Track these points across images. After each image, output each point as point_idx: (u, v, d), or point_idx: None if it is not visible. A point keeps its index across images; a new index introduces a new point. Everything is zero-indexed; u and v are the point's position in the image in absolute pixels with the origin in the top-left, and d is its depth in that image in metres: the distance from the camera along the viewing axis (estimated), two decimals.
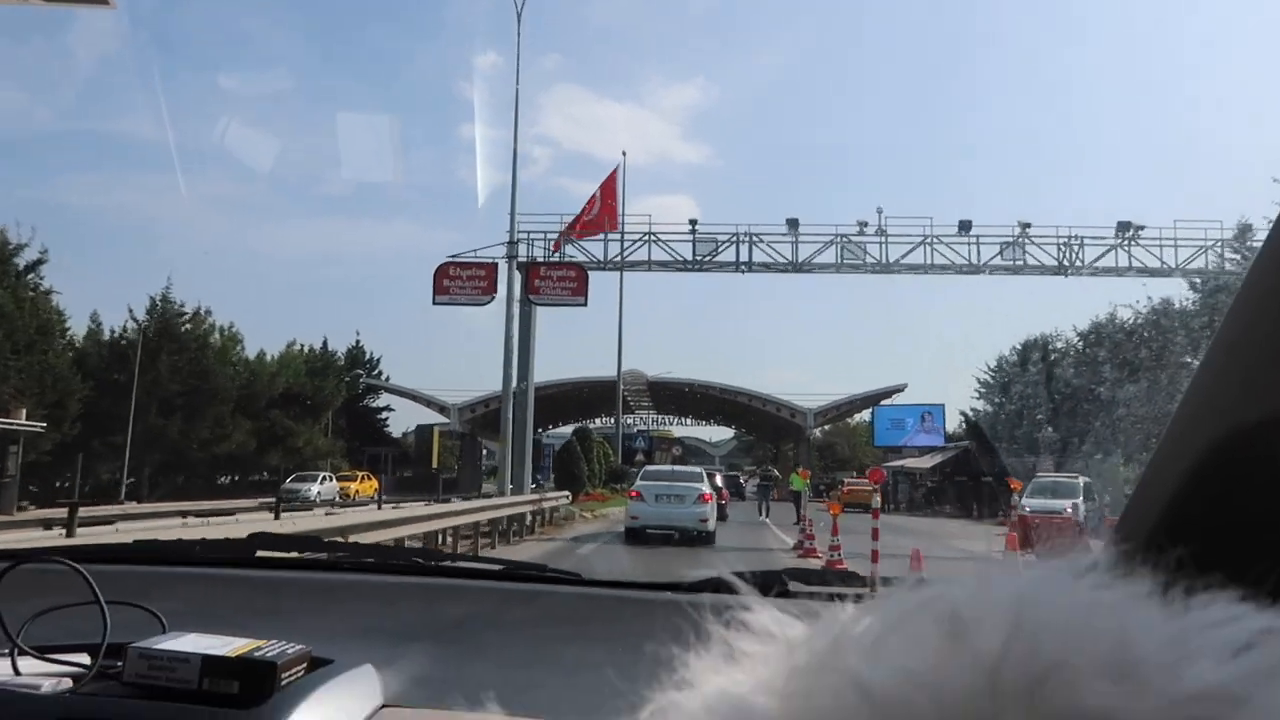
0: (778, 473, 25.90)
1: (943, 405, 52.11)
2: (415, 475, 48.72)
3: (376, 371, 57.36)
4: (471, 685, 0.94)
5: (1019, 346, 43.28)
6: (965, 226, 28.91)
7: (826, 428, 60.58)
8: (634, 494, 16.93)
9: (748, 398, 54.49)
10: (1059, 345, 41.45)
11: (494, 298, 26.57)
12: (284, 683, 0.84)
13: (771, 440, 69.47)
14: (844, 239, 28.67)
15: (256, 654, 0.85)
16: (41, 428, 24.16)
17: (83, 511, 12.99)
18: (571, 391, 54.74)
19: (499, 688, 0.95)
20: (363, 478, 41.03)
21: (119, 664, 0.85)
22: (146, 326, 33.75)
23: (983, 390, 46.05)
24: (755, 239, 29.04)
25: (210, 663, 0.82)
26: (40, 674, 0.86)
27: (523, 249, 27.90)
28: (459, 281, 26.68)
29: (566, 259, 29.02)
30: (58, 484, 31.43)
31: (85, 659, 0.90)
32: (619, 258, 30.96)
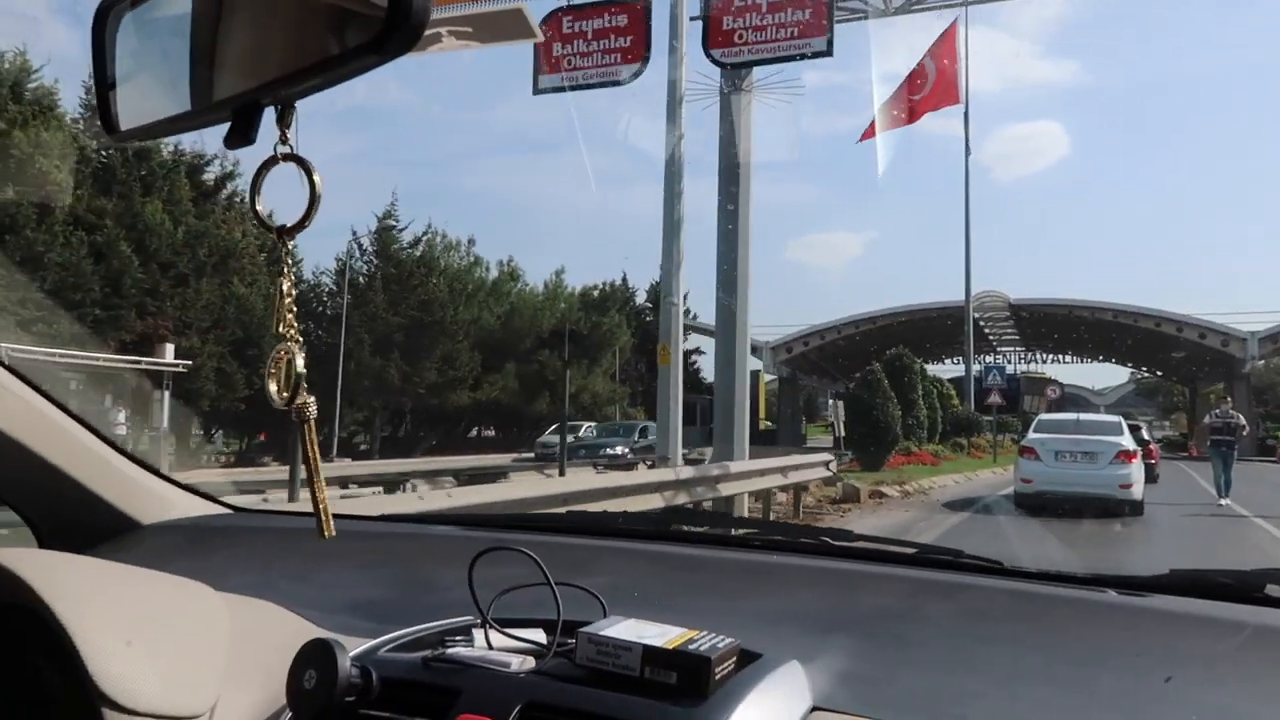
0: (1243, 419, 14.92)
1: None
2: None
3: (686, 310, 50.41)
4: (898, 689, 0.97)
5: None
6: None
7: (1277, 361, 43.83)
8: (1025, 450, 13.72)
9: (1154, 320, 40.27)
10: None
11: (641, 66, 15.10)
12: (717, 677, 0.87)
13: (1186, 380, 53.27)
14: None
15: (691, 646, 0.89)
16: (185, 366, 19.26)
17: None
18: (893, 329, 43.89)
19: (927, 694, 0.96)
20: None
21: (569, 642, 0.94)
22: (362, 245, 29.06)
23: None
24: None
25: (650, 653, 0.89)
26: (506, 649, 0.97)
27: None
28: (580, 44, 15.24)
29: None
30: (247, 439, 27.70)
31: (540, 636, 0.99)
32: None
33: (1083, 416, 16.15)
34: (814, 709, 0.93)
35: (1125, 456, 12.68)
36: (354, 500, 9.14)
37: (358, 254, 31.34)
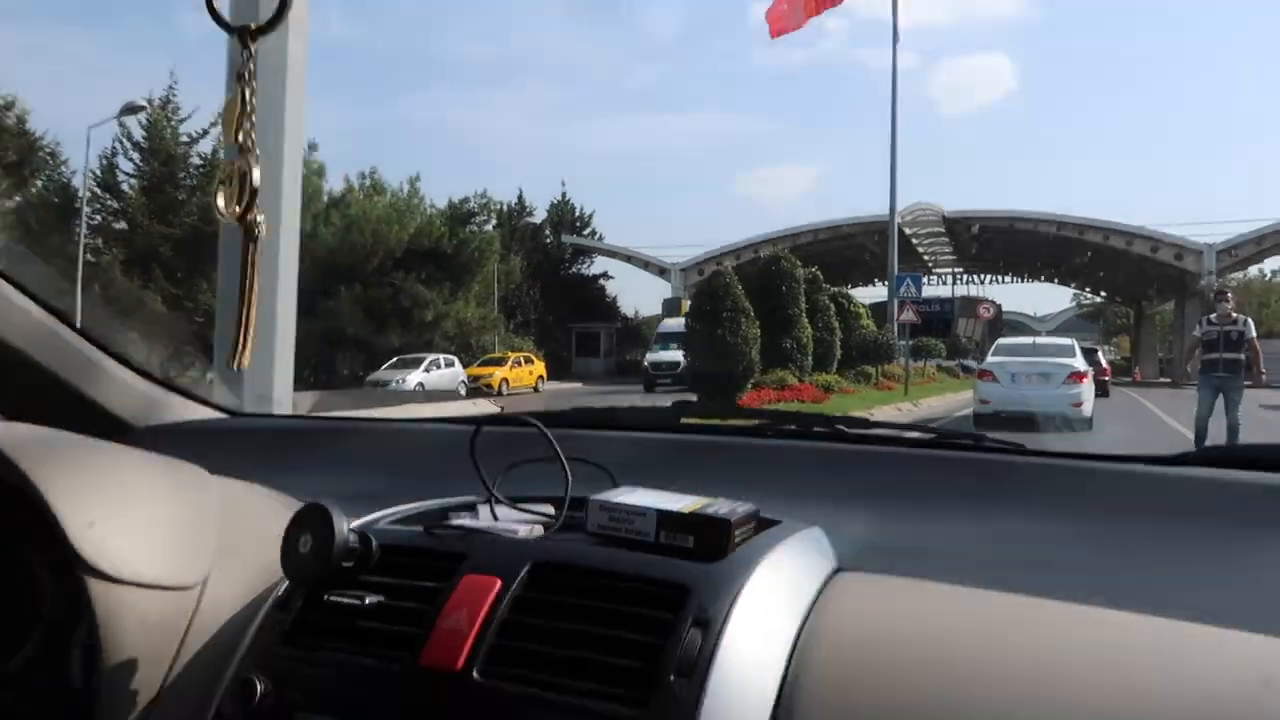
0: (1253, 327, 9.25)
1: None
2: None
3: (589, 230, 45.06)
4: (923, 554, 0.95)
5: None
6: None
7: (1234, 279, 39.65)
8: (984, 374, 14.05)
9: (1102, 234, 35.82)
10: None
11: None
12: (737, 540, 0.85)
13: (1131, 302, 49.37)
14: None
15: (708, 510, 0.86)
16: None
17: None
18: (815, 246, 38.96)
19: (953, 557, 0.94)
20: (518, 362, 29.03)
21: (580, 515, 0.91)
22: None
23: None
24: None
25: (665, 517, 0.86)
26: (514, 521, 0.95)
27: None
28: None
29: None
30: None
31: (550, 509, 0.97)
32: None
33: (1038, 340, 16.65)
34: (838, 570, 0.90)
35: (1077, 377, 13.20)
36: None
37: (121, 150, 25.44)
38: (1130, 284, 44.70)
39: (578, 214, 44.65)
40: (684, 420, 1.53)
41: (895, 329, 22.39)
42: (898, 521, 1.06)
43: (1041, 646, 0.76)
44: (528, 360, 29.63)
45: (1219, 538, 0.95)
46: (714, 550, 0.83)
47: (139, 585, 0.85)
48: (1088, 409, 13.10)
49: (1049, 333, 53.30)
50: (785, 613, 0.81)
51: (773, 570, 0.82)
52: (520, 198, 42.96)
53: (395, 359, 25.87)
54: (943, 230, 41.25)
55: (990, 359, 14.65)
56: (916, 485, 1.17)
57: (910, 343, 22.02)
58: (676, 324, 23.52)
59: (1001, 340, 17.29)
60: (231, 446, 1.51)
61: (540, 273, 39.89)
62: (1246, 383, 9.18)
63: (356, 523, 0.91)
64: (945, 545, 0.98)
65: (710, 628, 0.75)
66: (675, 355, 23.93)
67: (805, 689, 0.75)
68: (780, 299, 16.30)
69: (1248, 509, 1.00)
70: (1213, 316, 9.43)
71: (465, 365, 27.39)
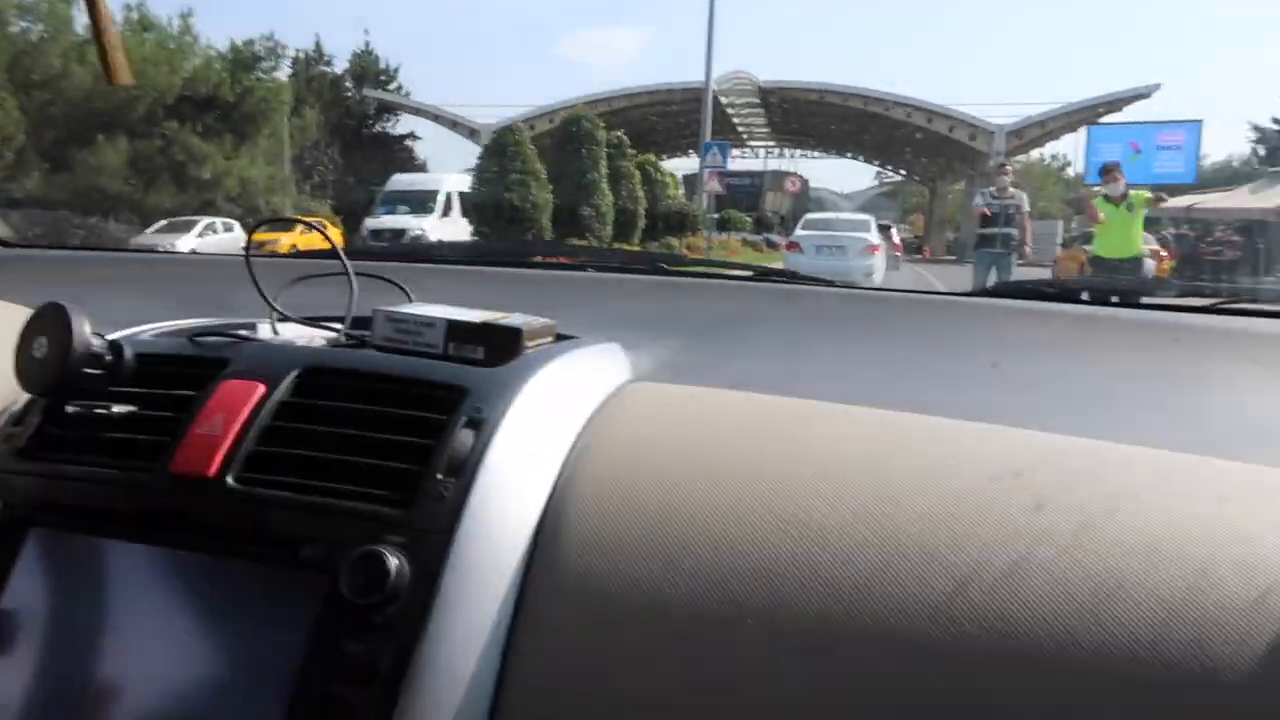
0: (1026, 201, 9.29)
1: (1199, 123, 34.05)
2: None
3: (396, 86, 42.14)
4: (725, 372, 0.96)
5: None
6: None
7: (1018, 161, 41.96)
8: (791, 245, 15.84)
9: (906, 110, 36.82)
10: None
11: None
12: (528, 350, 0.83)
13: (927, 180, 51.68)
14: None
15: (501, 321, 0.85)
16: None
17: None
18: (633, 113, 38.12)
19: (757, 375, 0.95)
20: (310, 227, 26.71)
21: (366, 333, 0.88)
22: None
23: None
24: None
25: (455, 327, 0.83)
26: (296, 337, 0.91)
27: None
28: None
29: None
30: None
31: (338, 327, 0.93)
32: None
33: (840, 215, 19.23)
34: (628, 383, 0.89)
35: (871, 250, 14.91)
36: None
37: None
38: (927, 163, 46.73)
39: (383, 66, 41.55)
40: (489, 254, 1.48)
41: (703, 200, 22.10)
42: (708, 343, 1.08)
43: (814, 448, 0.76)
44: (319, 226, 27.50)
45: (988, 351, 1.04)
46: (504, 357, 0.80)
47: None
48: (879, 278, 14.38)
49: (853, 209, 56.08)
50: (567, 415, 0.79)
51: (559, 374, 0.80)
52: (318, 45, 39.45)
53: (165, 221, 23.26)
54: (758, 101, 41.24)
55: (798, 232, 16.05)
56: (730, 313, 1.19)
57: (716, 215, 21.82)
58: (409, 181, 19.75)
59: (808, 215, 18.43)
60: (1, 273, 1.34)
61: (340, 130, 36.99)
62: (1019, 261, 9.43)
63: (114, 335, 0.85)
64: (749, 364, 0.99)
65: (483, 428, 0.73)
66: (404, 220, 19.00)
67: (579, 486, 0.74)
68: (579, 163, 15.48)
69: (1031, 333, 1.11)
70: (993, 190, 9.57)
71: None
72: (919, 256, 36.02)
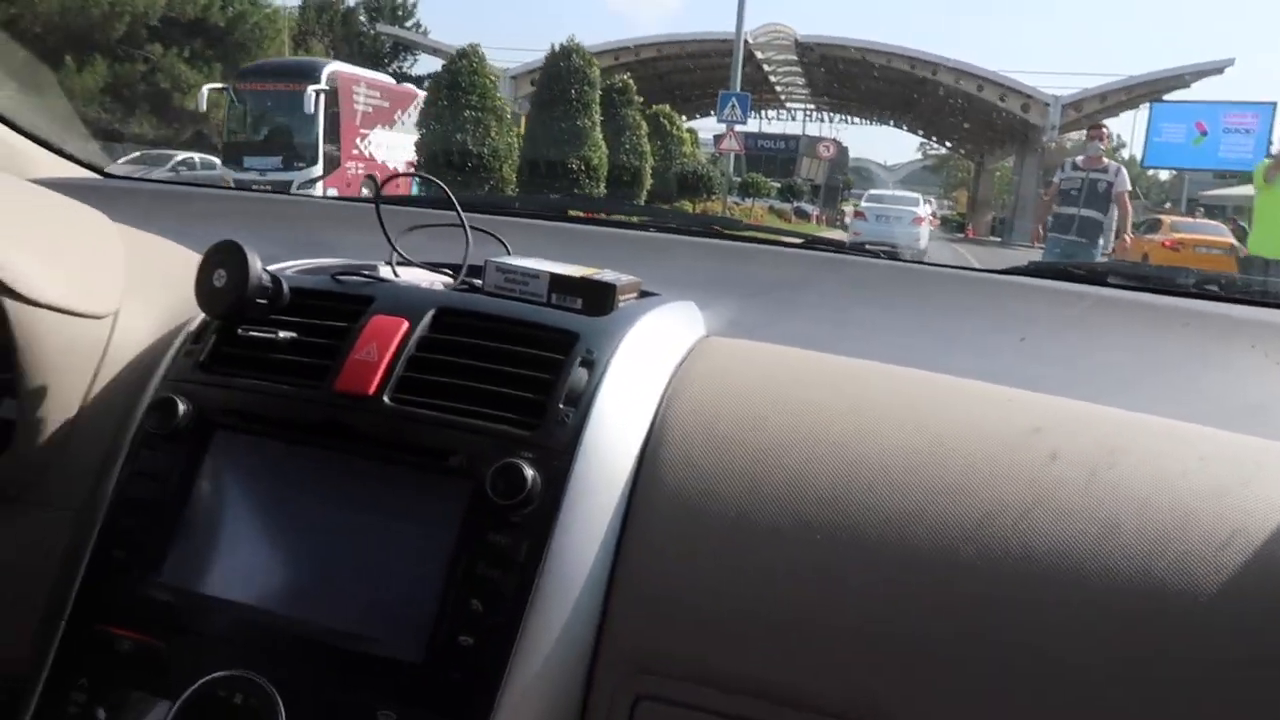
0: (1126, 177, 6.83)
1: (1273, 105, 31.06)
2: None
3: (414, 23, 39.90)
4: (777, 331, 1.06)
5: None
6: None
7: (1070, 139, 38.86)
8: (858, 214, 18.70)
9: (954, 74, 33.96)
10: None
11: None
12: (620, 304, 0.94)
13: (973, 154, 48.70)
14: None
15: (596, 276, 0.94)
16: None
17: None
18: (663, 64, 35.41)
19: (808, 335, 1.04)
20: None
21: (478, 281, 0.98)
22: None
23: None
24: None
25: (557, 280, 0.93)
26: (416, 279, 1.02)
27: None
28: None
29: None
30: None
31: (450, 273, 1.05)
32: None
33: (895, 193, 22.73)
34: (706, 337, 1.01)
35: (918, 220, 18.18)
36: None
37: None
38: (975, 134, 43.62)
39: (400, 1, 39.22)
40: (570, 212, 1.72)
41: (723, 160, 19.72)
42: (761, 304, 1.18)
43: (868, 400, 0.89)
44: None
45: (1017, 325, 1.14)
46: (600, 308, 0.91)
47: (54, 310, 0.88)
48: (923, 244, 17.38)
49: (896, 183, 55.13)
50: (661, 360, 0.92)
51: (653, 326, 0.92)
52: None
53: (137, 153, 21.11)
54: (796, 57, 38.37)
55: (865, 203, 19.60)
56: (786, 279, 1.28)
57: (739, 179, 19.46)
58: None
59: (871, 191, 22.33)
60: (110, 204, 1.39)
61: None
62: (1106, 253, 7.10)
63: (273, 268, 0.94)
64: (798, 325, 1.11)
65: (595, 368, 0.86)
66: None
67: (673, 421, 0.86)
68: (566, 107, 12.97)
69: (1058, 313, 1.19)
70: (1079, 160, 7.18)
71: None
72: (960, 236, 33.41)
